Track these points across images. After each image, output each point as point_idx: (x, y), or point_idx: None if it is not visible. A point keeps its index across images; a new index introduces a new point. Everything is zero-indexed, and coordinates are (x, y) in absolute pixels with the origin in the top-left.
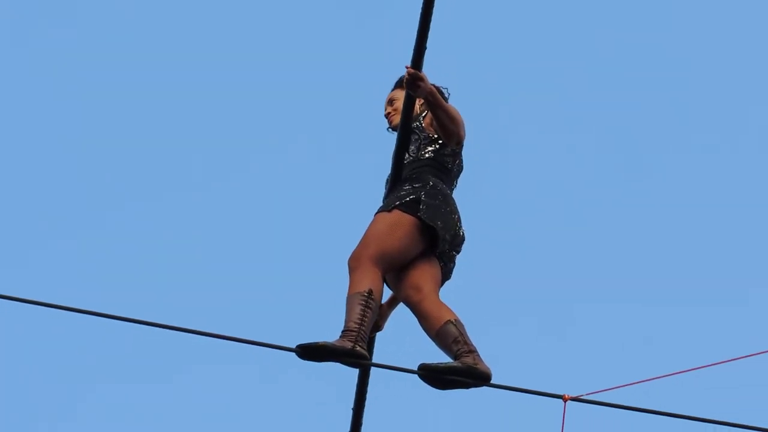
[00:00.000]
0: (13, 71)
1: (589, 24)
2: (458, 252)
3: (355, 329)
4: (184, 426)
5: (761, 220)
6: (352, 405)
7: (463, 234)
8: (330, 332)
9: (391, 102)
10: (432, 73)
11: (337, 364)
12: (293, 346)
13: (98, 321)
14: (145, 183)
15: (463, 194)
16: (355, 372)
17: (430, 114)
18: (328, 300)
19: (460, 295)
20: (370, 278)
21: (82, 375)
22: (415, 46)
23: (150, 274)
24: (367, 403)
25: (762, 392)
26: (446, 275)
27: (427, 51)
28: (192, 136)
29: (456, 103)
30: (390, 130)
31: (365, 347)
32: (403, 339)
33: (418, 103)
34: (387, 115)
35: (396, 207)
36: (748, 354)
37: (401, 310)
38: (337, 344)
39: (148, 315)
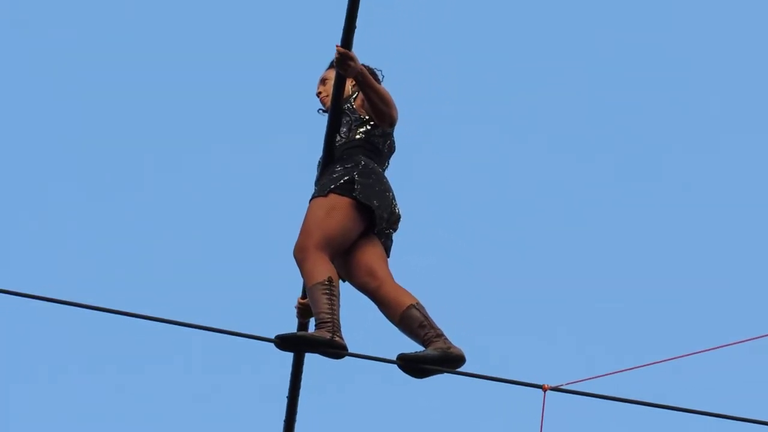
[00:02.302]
0: (8, 67)
1: (586, 18)
2: (395, 230)
3: (329, 320)
4: (162, 419)
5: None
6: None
7: (399, 212)
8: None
9: (323, 82)
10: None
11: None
12: (271, 336)
13: (72, 311)
14: (120, 176)
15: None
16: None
17: (361, 95)
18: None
19: (440, 284)
20: (323, 266)
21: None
22: (344, 25)
23: (127, 265)
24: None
25: (741, 382)
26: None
27: (366, 35)
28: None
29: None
30: (321, 111)
31: (342, 337)
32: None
33: (350, 84)
34: (318, 95)
35: (331, 191)
36: (728, 343)
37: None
38: (317, 335)
39: (125, 305)
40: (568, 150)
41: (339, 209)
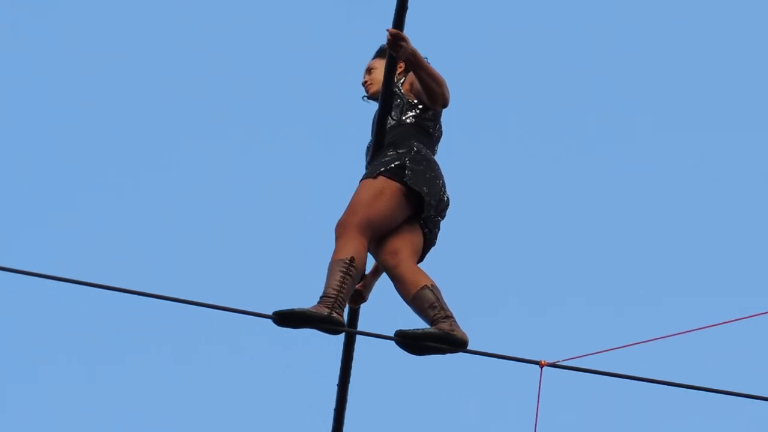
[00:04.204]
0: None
1: (588, 16)
2: (443, 218)
3: (333, 296)
4: (163, 397)
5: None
6: (338, 373)
7: (448, 199)
8: (309, 301)
9: (369, 71)
10: (416, 43)
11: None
12: (270, 313)
13: (70, 288)
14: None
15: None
16: (339, 341)
17: (409, 78)
18: (305, 267)
19: (441, 263)
20: (353, 245)
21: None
22: (396, 7)
23: (126, 242)
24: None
25: (740, 358)
26: (431, 241)
27: (411, 21)
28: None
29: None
30: (366, 98)
31: (342, 314)
32: (387, 308)
33: (397, 70)
34: (364, 84)
35: (381, 173)
36: (725, 321)
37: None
38: (314, 310)
39: (126, 283)
40: (547, 135)
41: (387, 193)
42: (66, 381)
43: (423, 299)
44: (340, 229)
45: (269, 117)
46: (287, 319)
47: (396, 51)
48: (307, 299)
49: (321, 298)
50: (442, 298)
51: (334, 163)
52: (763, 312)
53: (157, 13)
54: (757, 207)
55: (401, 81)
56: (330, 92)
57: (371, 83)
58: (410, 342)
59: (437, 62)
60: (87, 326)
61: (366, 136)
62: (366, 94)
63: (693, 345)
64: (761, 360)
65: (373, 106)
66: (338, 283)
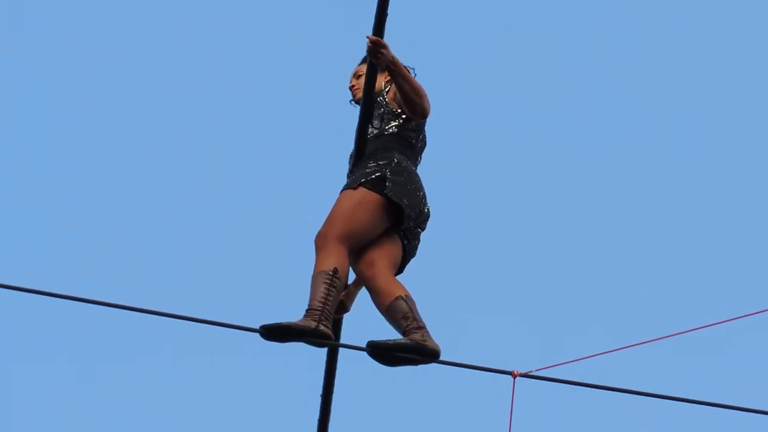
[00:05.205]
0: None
1: (587, 18)
2: (423, 229)
3: (319, 308)
4: (150, 409)
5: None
6: (321, 387)
7: (428, 211)
8: (293, 313)
9: (357, 75)
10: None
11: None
12: (256, 327)
13: (58, 302)
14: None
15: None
16: (322, 353)
17: (393, 88)
18: (291, 281)
19: (413, 270)
20: (336, 257)
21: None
22: (376, 14)
23: (113, 256)
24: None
25: (711, 366)
26: (410, 252)
27: (396, 35)
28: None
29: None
30: (353, 102)
31: (329, 326)
32: (374, 319)
33: (383, 78)
34: (351, 88)
35: (361, 185)
36: (696, 327)
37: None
38: (301, 324)
39: (112, 297)
40: (534, 131)
41: (367, 204)
42: (54, 392)
43: (396, 310)
44: (321, 241)
45: (269, 117)
46: (274, 333)
47: (376, 58)
48: (293, 312)
49: (307, 311)
50: (416, 309)
51: (335, 164)
52: (742, 315)
53: (157, 13)
54: (756, 210)
55: (386, 89)
56: (329, 92)
57: (358, 88)
58: (382, 353)
59: (434, 63)
60: (67, 339)
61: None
62: (353, 99)
63: (667, 354)
64: (739, 369)
65: (356, 112)
66: (323, 295)
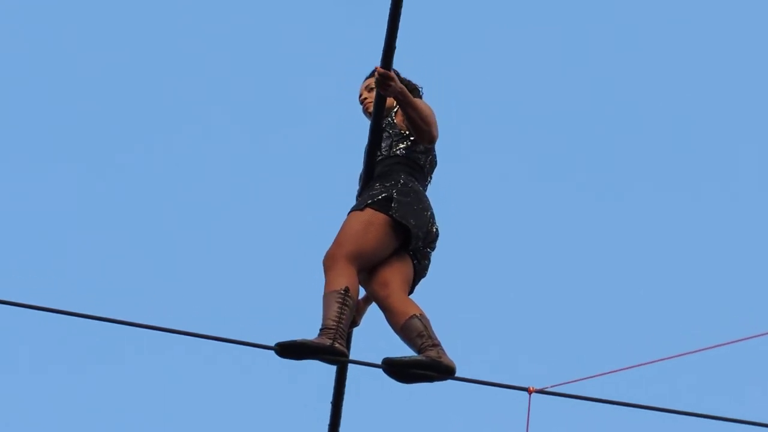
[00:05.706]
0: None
1: (581, 29)
2: (432, 249)
3: (333, 327)
4: (157, 418)
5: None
6: (330, 400)
7: (437, 230)
8: (307, 331)
9: (369, 89)
10: (407, 70)
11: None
12: (272, 344)
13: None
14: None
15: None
16: (332, 369)
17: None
18: (305, 299)
19: (428, 288)
20: (345, 276)
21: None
22: (384, 46)
23: (129, 273)
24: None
25: (726, 383)
26: (421, 272)
27: (400, 48)
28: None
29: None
30: (366, 113)
31: (344, 344)
32: (379, 336)
33: (390, 100)
34: (363, 101)
35: (368, 206)
36: (714, 345)
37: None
38: (316, 341)
39: (124, 314)
40: (548, 159)
41: (374, 225)
42: (54, 399)
43: (411, 328)
44: (330, 262)
45: (269, 117)
46: (290, 350)
47: (384, 90)
48: (307, 332)
49: (321, 330)
50: (430, 327)
51: (334, 165)
52: (756, 335)
53: (157, 13)
54: (743, 228)
55: (395, 111)
56: (330, 92)
57: (370, 101)
58: (397, 369)
59: (436, 65)
60: (71, 352)
61: (363, 139)
62: (365, 111)
63: (683, 370)
64: (748, 384)
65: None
66: (336, 314)
